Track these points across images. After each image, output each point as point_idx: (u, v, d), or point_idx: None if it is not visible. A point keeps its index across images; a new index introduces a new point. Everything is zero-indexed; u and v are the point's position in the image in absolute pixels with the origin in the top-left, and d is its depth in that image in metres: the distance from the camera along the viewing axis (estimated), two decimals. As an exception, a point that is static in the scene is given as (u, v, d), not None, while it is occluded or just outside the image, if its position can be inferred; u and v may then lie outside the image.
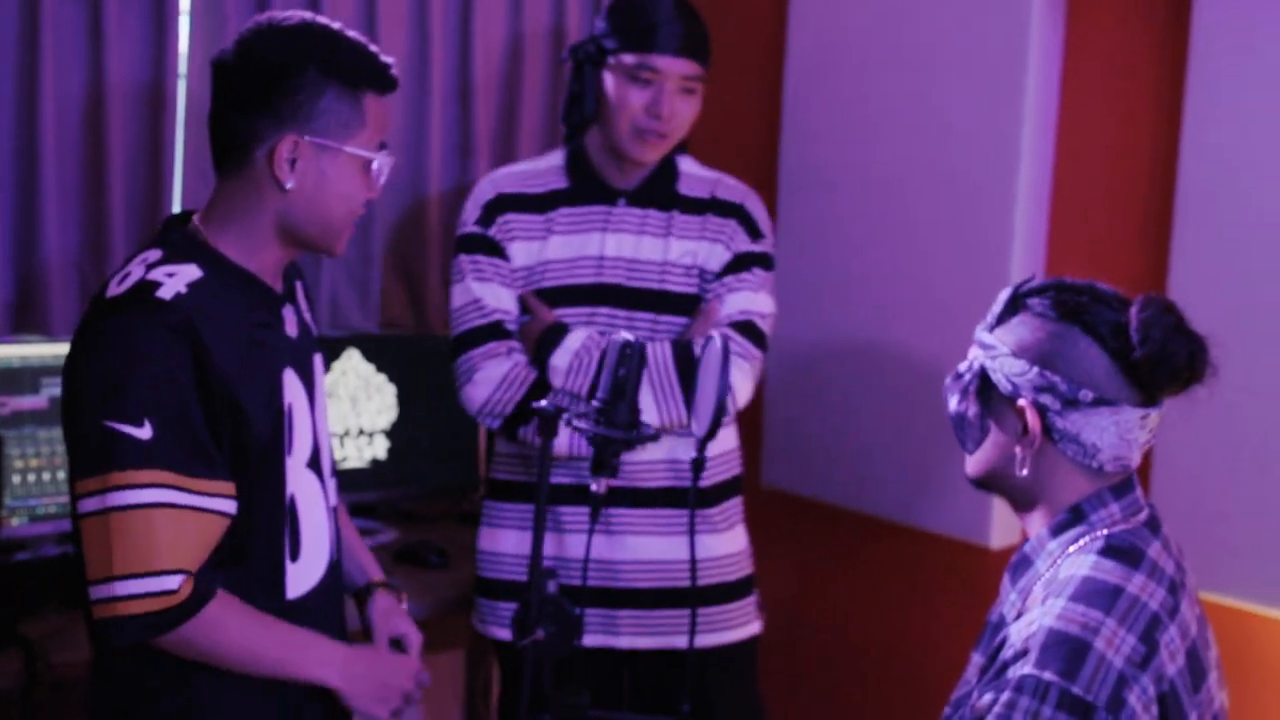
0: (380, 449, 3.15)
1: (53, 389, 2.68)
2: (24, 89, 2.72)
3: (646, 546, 2.52)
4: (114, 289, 1.77)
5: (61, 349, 2.66)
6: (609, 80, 2.50)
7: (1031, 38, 2.77)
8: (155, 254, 1.80)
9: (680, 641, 2.51)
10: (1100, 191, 2.79)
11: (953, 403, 1.70)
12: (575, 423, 1.83)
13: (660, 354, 2.45)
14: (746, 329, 2.52)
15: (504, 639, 2.58)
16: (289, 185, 1.80)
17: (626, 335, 1.84)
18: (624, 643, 2.54)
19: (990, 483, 1.74)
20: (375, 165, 1.86)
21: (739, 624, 2.62)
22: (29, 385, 2.67)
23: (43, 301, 2.77)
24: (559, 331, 2.48)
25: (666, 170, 2.60)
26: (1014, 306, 1.68)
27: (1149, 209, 2.70)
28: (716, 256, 2.56)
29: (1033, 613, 1.59)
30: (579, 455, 2.44)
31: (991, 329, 1.68)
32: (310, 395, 1.93)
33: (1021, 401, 1.63)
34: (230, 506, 1.77)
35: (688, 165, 2.65)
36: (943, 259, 2.94)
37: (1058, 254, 2.85)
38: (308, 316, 2.00)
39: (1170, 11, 2.65)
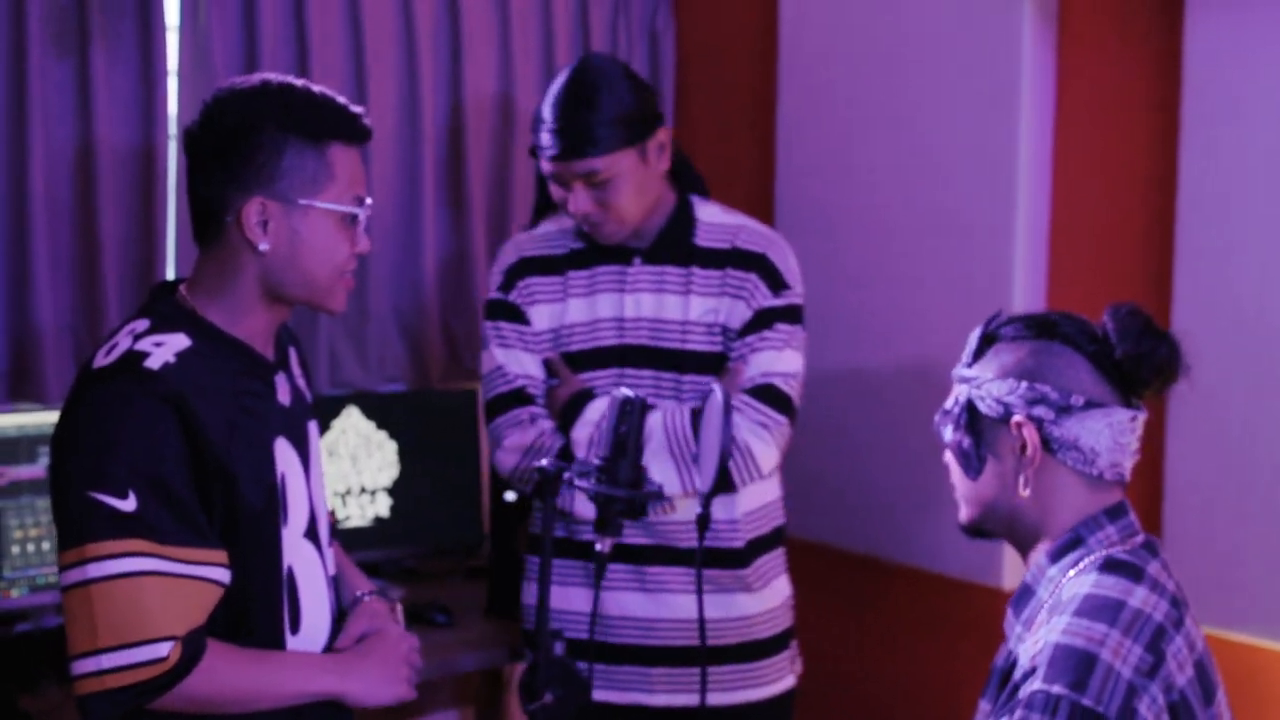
0: (383, 507, 3.12)
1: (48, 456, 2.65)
2: (13, 150, 2.71)
3: (676, 604, 2.49)
4: (101, 359, 1.75)
5: (58, 417, 2.65)
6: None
7: (1024, 69, 2.77)
8: (143, 324, 1.78)
9: (713, 698, 2.51)
10: (1099, 221, 2.78)
11: (948, 433, 1.72)
12: (578, 482, 1.80)
13: (679, 422, 2.42)
14: (765, 393, 2.45)
15: None
16: (263, 247, 1.77)
17: (627, 391, 1.81)
18: (658, 700, 2.52)
19: (988, 519, 1.74)
20: (357, 218, 1.82)
21: (770, 680, 2.57)
22: (26, 454, 2.64)
23: (37, 368, 2.74)
24: (580, 402, 2.46)
25: (681, 221, 2.53)
26: (988, 340, 1.73)
27: (1149, 237, 2.68)
28: (738, 314, 2.49)
29: (1039, 633, 1.60)
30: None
31: (969, 365, 1.73)
32: (305, 464, 1.90)
33: (1017, 418, 1.65)
34: (222, 575, 1.74)
35: (708, 213, 2.56)
36: (944, 296, 2.93)
37: (1059, 286, 2.83)
38: (301, 383, 1.97)
39: (1162, 37, 2.64)
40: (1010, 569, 2.83)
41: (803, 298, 2.55)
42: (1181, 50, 2.58)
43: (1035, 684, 1.52)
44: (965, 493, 1.75)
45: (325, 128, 1.79)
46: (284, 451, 1.85)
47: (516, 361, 2.52)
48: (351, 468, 3.07)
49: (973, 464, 1.70)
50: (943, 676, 3.08)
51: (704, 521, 1.83)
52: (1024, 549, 1.73)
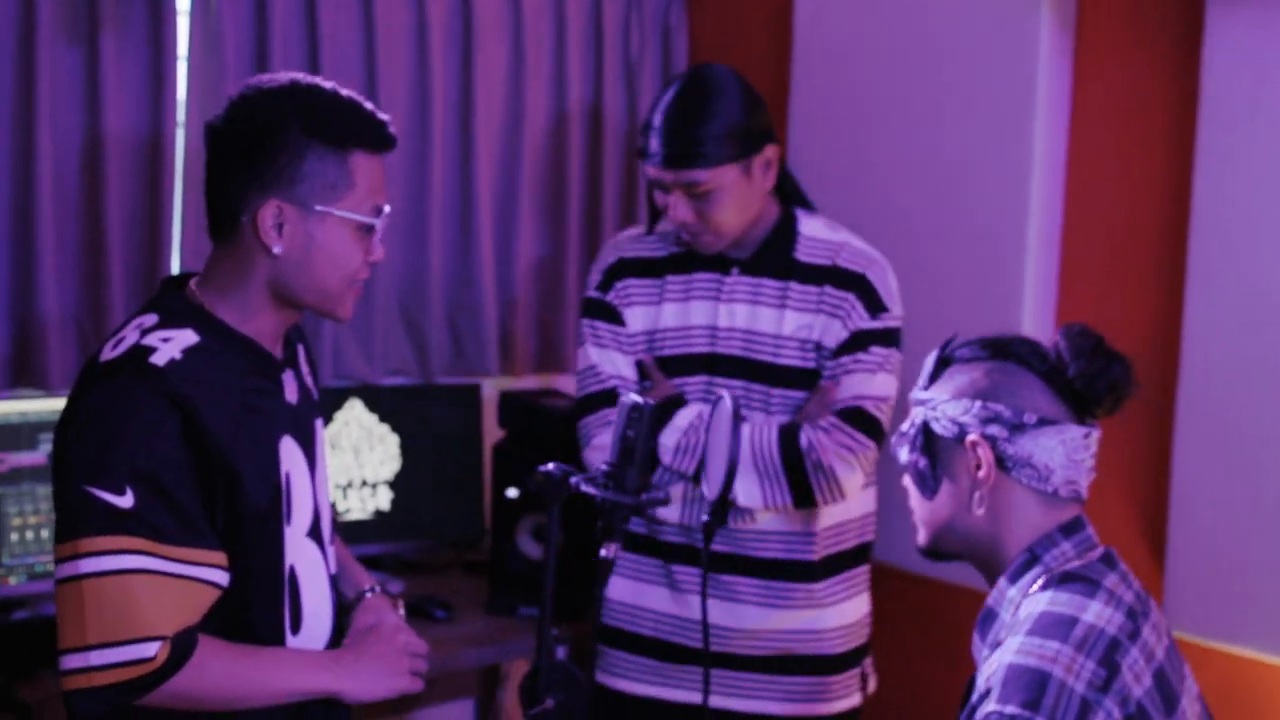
0: (384, 500, 3.11)
1: (51, 445, 2.64)
2: (21, 137, 2.70)
3: (750, 615, 2.50)
4: (108, 353, 1.74)
5: (60, 404, 2.62)
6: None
7: (1040, 73, 2.75)
8: (151, 318, 1.77)
9: (774, 708, 2.52)
10: (1112, 231, 2.76)
11: (903, 454, 1.74)
12: (583, 486, 1.78)
13: (766, 438, 2.42)
14: (856, 417, 2.44)
15: (603, 683, 2.61)
16: (276, 250, 1.76)
17: (635, 397, 1.79)
18: (715, 702, 2.52)
19: (945, 539, 1.75)
20: (374, 228, 1.81)
21: (835, 697, 2.56)
22: (27, 441, 2.63)
23: (41, 356, 2.73)
24: (671, 407, 2.45)
25: (783, 235, 2.52)
26: (944, 363, 1.75)
27: (1162, 243, 2.67)
28: (833, 333, 2.47)
29: (996, 654, 1.60)
30: (689, 525, 2.47)
31: (925, 388, 1.75)
32: (310, 462, 1.89)
33: (971, 437, 1.67)
34: (219, 577, 1.73)
35: (811, 227, 2.54)
36: (956, 299, 2.91)
37: (1070, 291, 2.82)
38: (309, 380, 1.95)
39: (1180, 48, 2.62)
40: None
41: (901, 320, 2.53)
42: (1199, 56, 2.56)
43: (990, 705, 1.53)
44: (922, 515, 1.76)
45: (350, 135, 1.77)
46: (289, 450, 1.83)
47: (610, 361, 2.53)
48: (353, 460, 3.06)
49: (928, 484, 1.72)
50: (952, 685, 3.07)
51: (710, 529, 1.82)
52: (985, 569, 1.74)
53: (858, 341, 2.47)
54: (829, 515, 2.52)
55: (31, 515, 2.63)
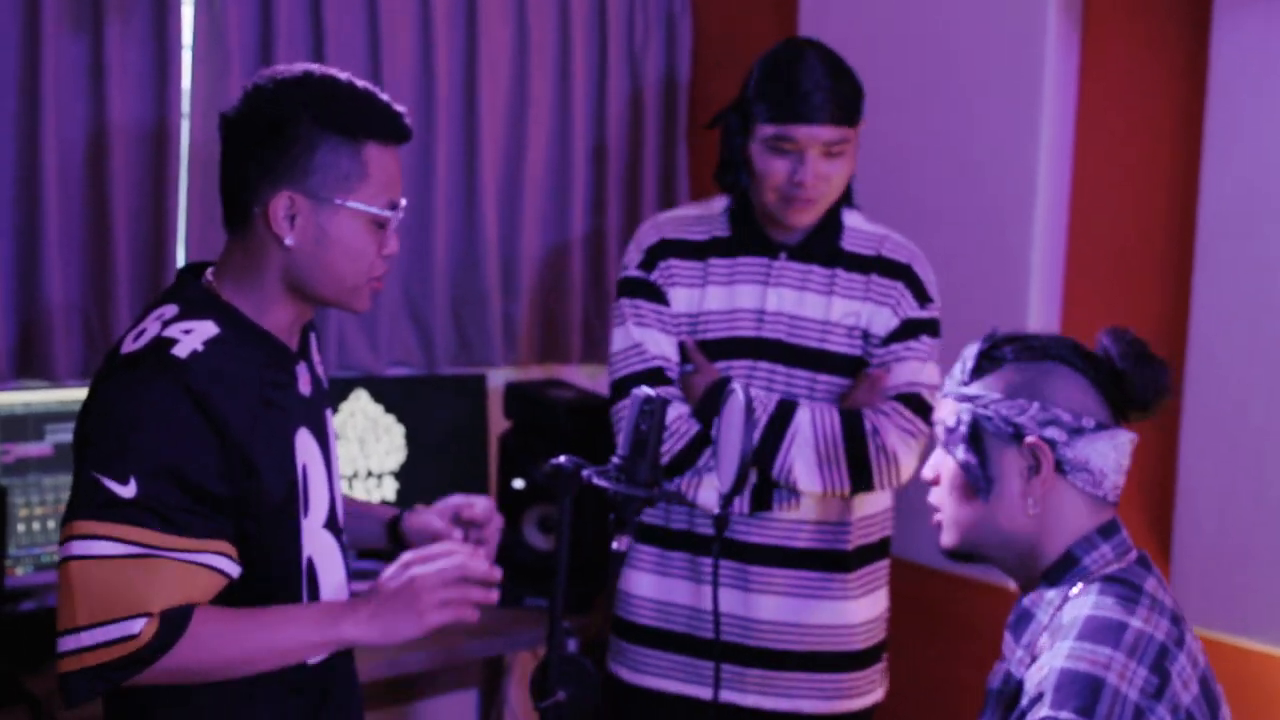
0: (389, 491, 3.11)
1: (57, 436, 2.64)
2: (26, 126, 2.69)
3: (782, 607, 2.49)
4: (129, 345, 1.73)
5: (66, 395, 2.64)
6: (755, 150, 2.45)
7: (1046, 69, 2.75)
8: (171, 309, 1.76)
9: (808, 706, 2.50)
10: (1118, 225, 2.76)
11: (960, 453, 1.71)
12: (596, 480, 1.78)
13: (829, 421, 2.41)
14: (913, 402, 2.45)
15: (628, 680, 2.59)
16: (289, 242, 1.75)
17: (648, 390, 1.79)
18: (749, 701, 2.51)
19: (984, 541, 1.72)
20: (388, 220, 1.80)
21: (860, 693, 2.56)
22: (33, 432, 2.63)
23: (46, 347, 2.73)
24: (721, 389, 2.43)
25: (830, 224, 2.52)
26: (988, 358, 1.73)
27: (1169, 242, 2.67)
28: (881, 320, 2.49)
29: (1043, 658, 1.59)
30: (737, 512, 2.45)
31: (968, 383, 1.72)
32: (325, 453, 1.89)
33: (1030, 439, 1.65)
34: (225, 565, 1.72)
35: (853, 220, 2.56)
36: (958, 293, 2.90)
37: (1075, 286, 2.82)
38: (320, 370, 1.95)
39: (1188, 35, 2.62)
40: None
41: (940, 313, 2.55)
42: (1207, 49, 2.55)
43: (1043, 710, 1.51)
44: (958, 514, 1.73)
45: (363, 126, 1.76)
46: (305, 442, 1.83)
47: (654, 341, 2.50)
48: (359, 451, 3.06)
49: (980, 485, 1.69)
50: (969, 680, 3.07)
51: (722, 522, 1.81)
52: (1017, 570, 1.73)
53: (909, 329, 2.49)
54: (863, 506, 2.52)
55: (38, 506, 2.63)
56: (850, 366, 2.49)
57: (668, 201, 3.64)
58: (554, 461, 1.80)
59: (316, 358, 1.95)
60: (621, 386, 2.50)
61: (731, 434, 1.78)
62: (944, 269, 2.92)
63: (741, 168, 2.50)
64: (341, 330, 3.12)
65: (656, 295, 2.52)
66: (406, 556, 1.82)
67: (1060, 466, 1.66)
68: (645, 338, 2.50)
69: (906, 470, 2.45)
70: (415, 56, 3.18)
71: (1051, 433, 1.65)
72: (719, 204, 2.58)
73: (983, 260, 2.86)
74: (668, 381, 2.48)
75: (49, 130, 2.68)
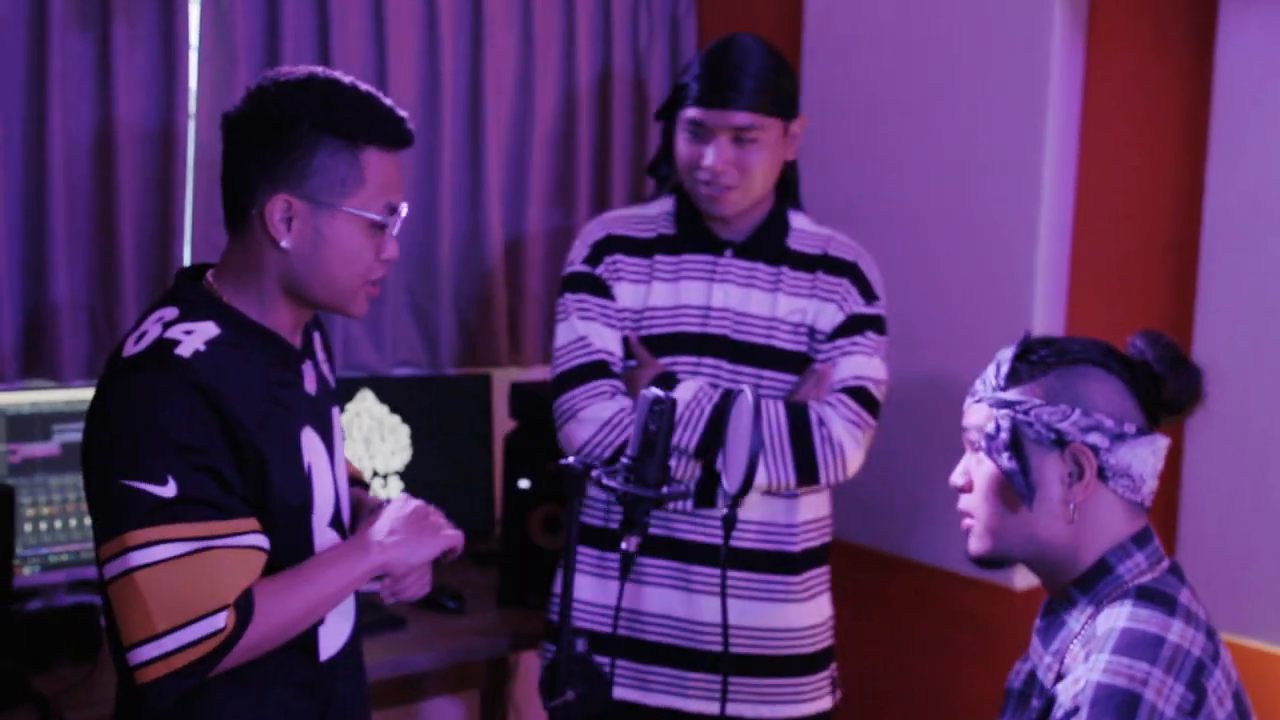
0: (394, 491, 3.11)
1: (64, 435, 2.64)
2: (33, 125, 2.69)
3: (728, 608, 2.46)
4: (130, 348, 1.74)
5: (72, 395, 2.64)
6: (677, 135, 2.48)
7: (1052, 72, 2.75)
8: (171, 311, 1.77)
9: (749, 710, 2.49)
10: (1123, 227, 2.76)
11: (1003, 461, 1.67)
12: (605, 480, 1.79)
13: (774, 414, 2.40)
14: (859, 394, 2.45)
15: None
16: (285, 245, 1.76)
17: (657, 391, 1.80)
18: (692, 706, 2.49)
19: (1018, 546, 1.70)
20: (386, 226, 1.80)
21: (808, 699, 2.54)
22: (40, 432, 2.63)
23: (52, 347, 2.73)
24: (669, 381, 2.43)
25: (776, 223, 2.53)
26: (1023, 362, 1.70)
27: (1174, 243, 2.67)
28: (827, 316, 2.49)
29: (1077, 670, 1.58)
30: (680, 510, 2.44)
31: (1003, 388, 1.69)
32: (330, 452, 1.89)
33: (1074, 445, 1.64)
34: (263, 541, 1.74)
35: (800, 221, 2.57)
36: (962, 295, 2.92)
37: (1080, 289, 2.82)
38: (325, 370, 1.96)
39: (1193, 42, 2.62)
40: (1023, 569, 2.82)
41: (886, 312, 2.56)
42: (1212, 52, 2.56)
43: None
44: (995, 521, 1.71)
45: (362, 130, 1.76)
46: (311, 441, 1.84)
47: (599, 335, 2.49)
48: (364, 451, 3.06)
49: (1024, 492, 1.67)
50: (949, 674, 3.08)
51: (730, 522, 1.81)
52: (1050, 575, 1.71)
53: (854, 325, 2.49)
54: (809, 509, 2.52)
55: (45, 506, 2.63)
56: (796, 363, 2.49)
57: (672, 202, 3.65)
58: (562, 462, 1.81)
59: (321, 356, 1.96)
60: (564, 380, 2.49)
61: (739, 434, 1.79)
62: (948, 272, 2.94)
63: (669, 156, 2.53)
64: (347, 331, 3.12)
65: (601, 290, 2.52)
66: (403, 496, 1.95)
67: (1102, 473, 1.64)
68: (589, 331, 2.49)
69: (853, 463, 2.45)
70: (421, 58, 3.18)
71: (1094, 439, 1.63)
72: (665, 204, 2.58)
73: (987, 264, 2.87)
74: (612, 375, 2.47)
75: (55, 130, 2.68)
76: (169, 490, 1.66)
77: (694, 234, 2.53)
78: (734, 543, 2.46)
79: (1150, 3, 2.69)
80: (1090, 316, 2.79)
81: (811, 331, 2.50)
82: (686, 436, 2.39)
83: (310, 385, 1.87)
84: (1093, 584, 1.65)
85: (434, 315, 3.25)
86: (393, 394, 3.12)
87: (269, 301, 1.80)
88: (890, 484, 3.04)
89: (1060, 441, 1.65)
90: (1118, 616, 1.59)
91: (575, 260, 2.56)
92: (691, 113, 2.43)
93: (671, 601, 2.47)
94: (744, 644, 2.48)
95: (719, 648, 2.45)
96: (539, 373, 3.48)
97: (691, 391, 2.41)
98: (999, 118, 2.84)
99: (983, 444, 1.70)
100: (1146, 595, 1.61)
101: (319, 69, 1.81)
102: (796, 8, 3.33)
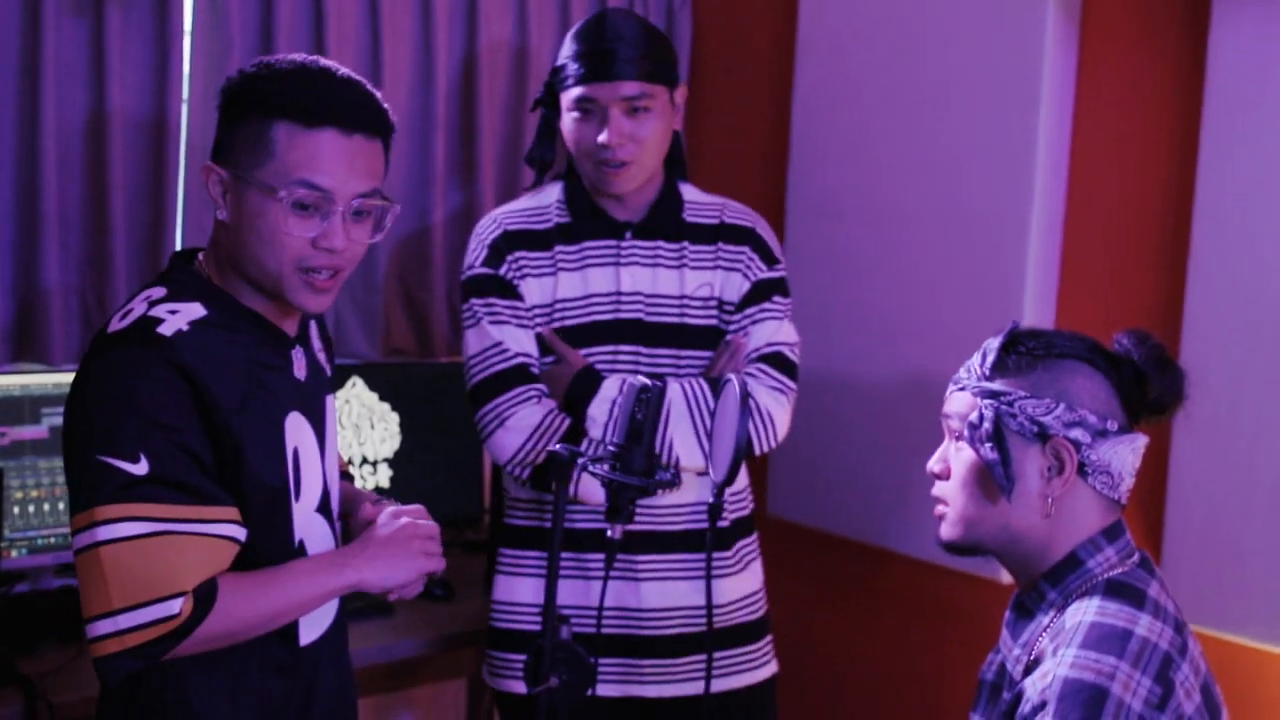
0: (383, 478, 3.12)
1: (53, 419, 2.65)
2: (26, 109, 2.69)
3: (668, 592, 2.47)
4: (115, 324, 1.74)
5: (62, 378, 2.64)
6: (564, 122, 2.45)
7: (1045, 68, 2.75)
8: (159, 291, 1.77)
9: (703, 688, 2.46)
10: (1114, 224, 2.77)
11: (985, 451, 1.67)
12: (591, 468, 1.79)
13: (699, 392, 2.39)
14: (777, 360, 2.47)
15: (517, 692, 2.50)
16: (220, 215, 1.78)
17: (644, 379, 1.80)
18: (650, 692, 2.49)
19: (989, 536, 1.70)
20: (294, 199, 1.73)
21: (758, 665, 2.57)
22: (29, 415, 2.64)
23: (43, 329, 2.73)
24: (592, 379, 2.40)
25: (669, 198, 2.52)
26: (1010, 353, 1.69)
27: (1164, 240, 2.68)
28: (733, 285, 2.50)
29: (1045, 664, 1.58)
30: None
31: (989, 378, 1.69)
32: (320, 439, 1.89)
33: (1056, 439, 1.64)
34: (236, 531, 1.74)
35: (691, 193, 2.57)
36: (953, 289, 2.92)
37: (1070, 285, 2.83)
38: (321, 357, 1.96)
39: (1186, 41, 2.63)
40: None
41: (787, 273, 2.58)
42: (1205, 50, 2.56)
43: (1047, 719, 1.50)
44: (969, 510, 1.71)
45: (278, 103, 1.73)
46: (297, 426, 1.84)
47: (513, 338, 2.44)
48: (354, 438, 3.07)
49: (1004, 483, 1.66)
50: (933, 667, 3.09)
51: (716, 510, 1.82)
52: (1019, 567, 1.71)
53: (760, 292, 2.50)
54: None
55: (33, 489, 2.63)
56: (711, 338, 2.49)
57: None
58: (550, 448, 1.81)
59: (318, 345, 1.96)
60: (485, 389, 2.43)
61: (726, 424, 1.79)
62: (940, 268, 2.94)
63: (548, 142, 2.52)
64: (339, 317, 3.13)
65: (508, 291, 2.46)
66: (392, 509, 1.91)
67: (1082, 468, 1.65)
68: (503, 335, 2.44)
69: (782, 428, 2.47)
70: (416, 47, 3.18)
71: (1077, 434, 1.64)
72: (554, 191, 2.54)
73: (978, 260, 2.87)
74: (533, 378, 2.42)
75: (49, 115, 2.68)
76: (140, 468, 1.66)
77: (590, 219, 2.49)
78: (669, 526, 2.46)
79: (1143, 1, 2.70)
80: (1080, 313, 2.79)
81: (720, 303, 2.50)
82: (617, 433, 2.36)
83: (300, 371, 1.87)
84: (1062, 577, 1.66)
85: (425, 304, 3.25)
86: (383, 381, 3.12)
87: (238, 282, 1.80)
88: (880, 478, 3.05)
89: (1042, 435, 1.64)
90: (1086, 610, 1.59)
91: (475, 263, 2.49)
92: (578, 91, 2.40)
93: (619, 593, 2.46)
94: (689, 623, 2.47)
95: (669, 631, 2.47)
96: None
97: (615, 387, 2.39)
98: (991, 115, 2.84)
99: (965, 432, 1.70)
100: (1115, 589, 1.61)
101: (297, 56, 1.80)
102: (791, 4, 3.34)
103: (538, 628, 2.46)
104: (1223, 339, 2.51)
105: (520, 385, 2.41)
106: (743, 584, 2.56)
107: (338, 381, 3.03)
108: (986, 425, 1.67)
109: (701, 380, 2.41)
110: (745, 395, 1.76)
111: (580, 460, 1.79)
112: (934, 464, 1.76)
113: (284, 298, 1.78)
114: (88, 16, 2.73)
